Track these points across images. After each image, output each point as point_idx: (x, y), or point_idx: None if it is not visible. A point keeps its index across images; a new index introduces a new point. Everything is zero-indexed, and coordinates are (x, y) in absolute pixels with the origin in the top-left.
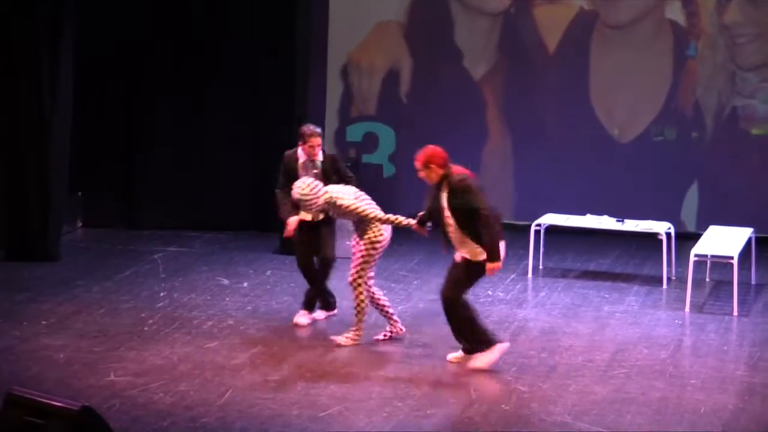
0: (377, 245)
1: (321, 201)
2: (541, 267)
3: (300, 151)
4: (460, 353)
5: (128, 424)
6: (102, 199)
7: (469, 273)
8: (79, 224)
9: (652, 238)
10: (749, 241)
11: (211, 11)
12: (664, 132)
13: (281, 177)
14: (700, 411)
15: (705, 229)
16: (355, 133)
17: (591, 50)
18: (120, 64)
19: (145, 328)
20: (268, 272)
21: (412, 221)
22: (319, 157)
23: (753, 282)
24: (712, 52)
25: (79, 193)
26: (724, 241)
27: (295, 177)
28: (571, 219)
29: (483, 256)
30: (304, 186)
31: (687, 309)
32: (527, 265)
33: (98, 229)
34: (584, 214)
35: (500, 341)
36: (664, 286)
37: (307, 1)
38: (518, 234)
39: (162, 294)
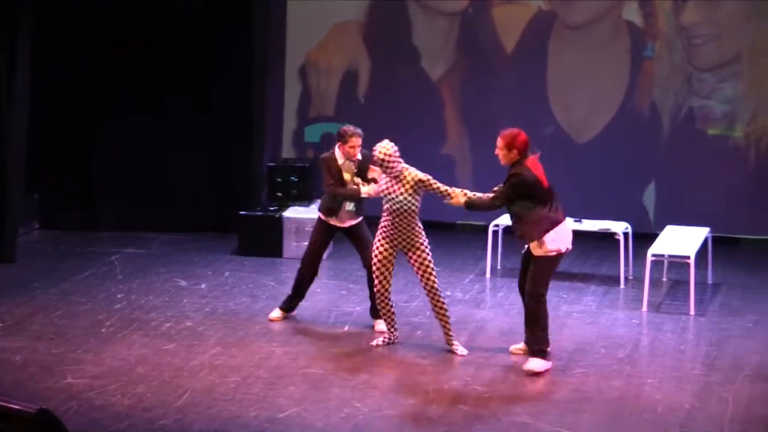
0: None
1: (398, 168)
2: (499, 267)
3: (338, 151)
4: (522, 345)
5: (86, 427)
6: (59, 201)
7: (540, 267)
8: (36, 226)
9: (609, 237)
10: (706, 240)
11: (168, 9)
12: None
13: (329, 178)
14: (658, 410)
15: (662, 228)
16: (313, 133)
17: (549, 50)
18: (76, 64)
19: (103, 330)
20: (227, 273)
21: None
22: (358, 156)
23: (710, 281)
24: (669, 53)
25: (36, 195)
26: (681, 240)
27: (341, 178)
28: None
29: (541, 250)
30: (390, 147)
31: (644, 308)
32: (485, 265)
33: (55, 230)
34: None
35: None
36: (622, 285)
37: (265, 1)
38: (476, 235)
39: (119, 296)
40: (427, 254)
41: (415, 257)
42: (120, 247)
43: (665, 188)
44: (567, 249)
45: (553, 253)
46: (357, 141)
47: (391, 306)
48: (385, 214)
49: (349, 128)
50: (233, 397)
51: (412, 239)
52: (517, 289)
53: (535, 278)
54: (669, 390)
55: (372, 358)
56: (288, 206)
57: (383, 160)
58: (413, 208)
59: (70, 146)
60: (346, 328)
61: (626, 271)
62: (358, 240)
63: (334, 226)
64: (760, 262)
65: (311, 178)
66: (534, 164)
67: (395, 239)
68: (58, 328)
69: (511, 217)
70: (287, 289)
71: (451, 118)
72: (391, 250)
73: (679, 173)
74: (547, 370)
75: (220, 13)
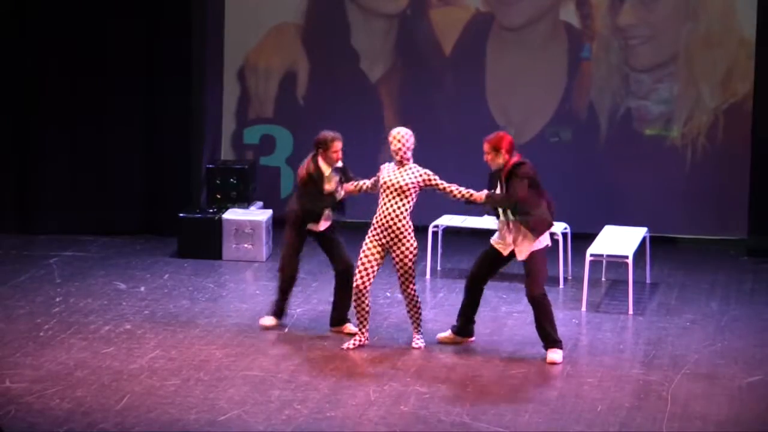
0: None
1: (409, 155)
2: (439, 268)
3: (321, 162)
4: (449, 333)
5: (25, 431)
6: None
7: (537, 263)
8: None
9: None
10: (644, 240)
11: (106, 10)
12: (559, 133)
13: (309, 197)
14: (597, 409)
15: (600, 229)
16: (252, 135)
17: (487, 52)
18: (10, 64)
19: (41, 334)
20: (166, 276)
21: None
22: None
23: (648, 281)
24: (606, 54)
25: None
26: (619, 240)
27: (321, 192)
28: (468, 220)
29: (537, 244)
30: (406, 133)
31: (583, 308)
32: (425, 266)
33: None
34: (482, 215)
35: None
36: (561, 285)
37: (202, 1)
38: (416, 236)
39: (58, 299)
40: (410, 258)
41: (398, 258)
42: (58, 251)
43: (603, 188)
44: (549, 244)
45: (544, 246)
46: (339, 145)
47: (368, 305)
48: (378, 215)
49: (328, 134)
50: (173, 400)
51: (400, 238)
52: (466, 285)
53: (536, 276)
54: (608, 389)
55: (312, 359)
56: (227, 208)
57: (398, 148)
58: (408, 202)
59: (4, 149)
60: (287, 329)
61: (565, 271)
62: (330, 242)
63: (309, 229)
64: (697, 262)
65: (250, 180)
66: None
67: (383, 237)
68: None
69: (519, 213)
70: (227, 292)
71: (390, 119)
72: (379, 248)
73: (617, 173)
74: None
75: (158, 14)
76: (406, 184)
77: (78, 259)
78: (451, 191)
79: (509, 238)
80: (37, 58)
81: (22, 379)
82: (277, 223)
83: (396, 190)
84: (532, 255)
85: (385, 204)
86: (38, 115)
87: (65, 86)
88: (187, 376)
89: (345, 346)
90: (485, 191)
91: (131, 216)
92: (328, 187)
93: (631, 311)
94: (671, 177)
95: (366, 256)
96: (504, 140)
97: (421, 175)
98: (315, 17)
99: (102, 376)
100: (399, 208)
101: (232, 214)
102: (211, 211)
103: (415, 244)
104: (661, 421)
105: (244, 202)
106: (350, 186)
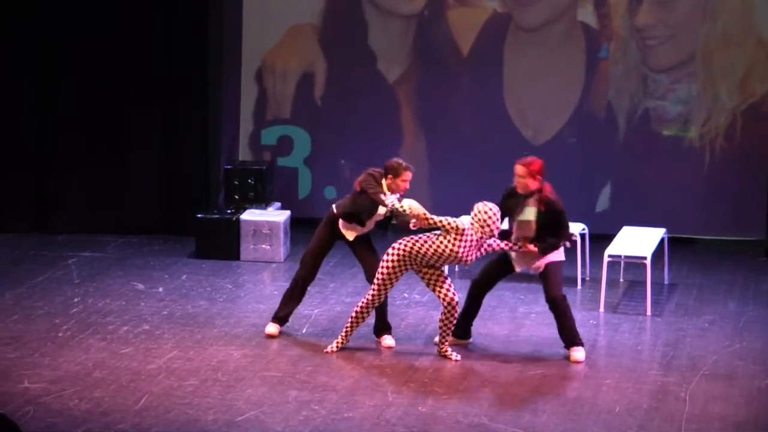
0: None
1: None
2: (456, 269)
3: (385, 187)
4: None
5: (43, 431)
6: (13, 204)
7: (556, 272)
8: None
9: None
10: (662, 241)
11: (123, 11)
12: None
13: (358, 207)
14: (615, 411)
15: (618, 229)
16: (269, 136)
17: (504, 52)
18: (29, 64)
19: (60, 334)
20: (184, 276)
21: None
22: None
23: (666, 282)
24: (623, 54)
25: None
26: (637, 241)
27: (372, 210)
28: None
29: (556, 257)
30: (495, 210)
31: (601, 309)
32: (444, 267)
33: (9, 234)
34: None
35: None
36: (579, 286)
37: (219, 3)
38: None
39: (76, 299)
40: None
41: (429, 275)
42: (76, 251)
43: (621, 189)
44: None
45: (559, 261)
46: (409, 176)
47: (366, 318)
48: (417, 238)
49: (402, 162)
50: (191, 400)
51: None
52: (469, 292)
53: (555, 283)
54: (626, 390)
55: (330, 360)
56: (245, 209)
57: (484, 220)
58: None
59: (23, 149)
60: (304, 330)
61: (583, 272)
62: (364, 251)
63: (340, 234)
64: (715, 262)
65: (268, 181)
66: (550, 190)
67: (412, 262)
68: (15, 332)
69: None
70: (244, 292)
71: (407, 119)
72: (402, 269)
73: (635, 174)
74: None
75: (176, 16)
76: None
77: (96, 260)
78: (499, 246)
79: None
80: (56, 59)
81: (40, 380)
82: (295, 223)
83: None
84: (548, 266)
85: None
86: (57, 115)
87: (83, 87)
88: (205, 376)
89: (328, 349)
90: (537, 245)
91: (149, 216)
92: (380, 211)
93: (649, 312)
94: (689, 178)
95: (388, 274)
96: (539, 165)
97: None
98: (332, 18)
99: (120, 377)
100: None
101: (249, 215)
102: (229, 211)
103: (446, 244)
104: (679, 422)
105: (262, 202)
106: (423, 218)
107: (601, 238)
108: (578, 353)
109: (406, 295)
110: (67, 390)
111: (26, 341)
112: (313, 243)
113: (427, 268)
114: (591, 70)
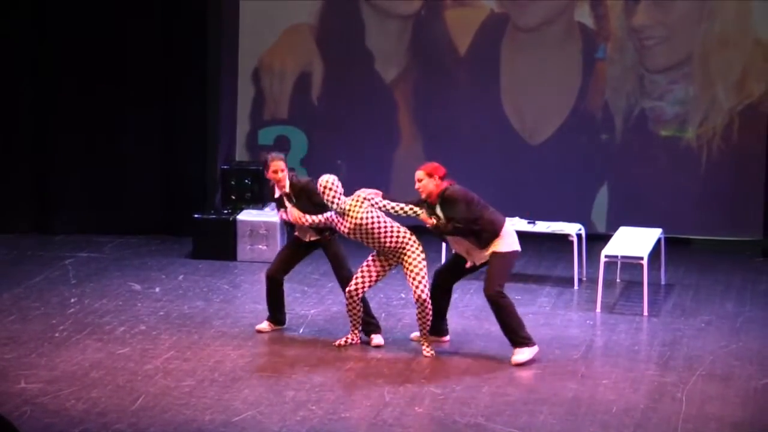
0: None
1: (340, 203)
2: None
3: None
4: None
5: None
6: (10, 204)
7: (497, 264)
8: None
9: (563, 239)
10: (659, 241)
11: (123, 11)
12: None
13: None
14: (612, 411)
15: (615, 230)
16: (266, 136)
17: (501, 52)
18: (29, 64)
19: (56, 335)
20: (181, 277)
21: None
22: (287, 186)
23: (662, 282)
24: (620, 55)
25: None
26: (634, 241)
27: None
28: None
29: (500, 246)
30: (331, 180)
31: (598, 309)
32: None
33: (7, 234)
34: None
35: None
36: (576, 287)
37: (217, 3)
38: (431, 236)
39: (73, 300)
40: (418, 261)
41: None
42: (73, 251)
43: (618, 189)
44: (518, 250)
45: (509, 251)
46: (277, 165)
47: (359, 310)
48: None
49: (269, 154)
50: (188, 401)
51: (397, 250)
52: (433, 285)
53: (493, 276)
54: (623, 390)
55: (328, 360)
56: (242, 209)
57: (323, 193)
58: (367, 230)
59: (21, 150)
60: (301, 330)
61: (580, 273)
62: (329, 257)
63: (300, 239)
64: (712, 263)
65: (265, 181)
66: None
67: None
68: (11, 333)
69: (468, 235)
70: (241, 293)
71: (404, 119)
72: (384, 264)
73: (632, 174)
74: (534, 356)
75: (174, 16)
76: (362, 218)
77: (93, 260)
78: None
79: (460, 249)
80: (56, 59)
81: (37, 380)
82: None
83: (362, 230)
84: (494, 255)
85: (366, 241)
86: (56, 115)
87: (83, 87)
88: (202, 376)
89: (336, 342)
90: (434, 219)
91: (146, 217)
92: (283, 215)
93: (645, 312)
94: (686, 178)
95: (367, 265)
96: (438, 168)
97: (361, 204)
98: (329, 18)
99: (117, 377)
100: (378, 235)
101: (246, 215)
102: (225, 212)
103: (417, 251)
104: (676, 422)
105: (259, 203)
106: (301, 222)
107: (598, 239)
108: (519, 355)
109: (402, 296)
110: (64, 390)
111: (23, 341)
112: (279, 253)
113: (404, 264)
114: (588, 71)
